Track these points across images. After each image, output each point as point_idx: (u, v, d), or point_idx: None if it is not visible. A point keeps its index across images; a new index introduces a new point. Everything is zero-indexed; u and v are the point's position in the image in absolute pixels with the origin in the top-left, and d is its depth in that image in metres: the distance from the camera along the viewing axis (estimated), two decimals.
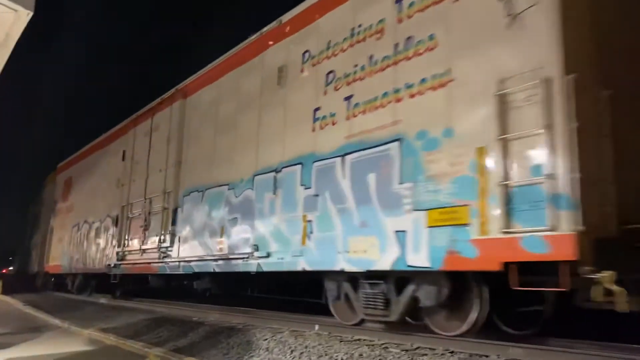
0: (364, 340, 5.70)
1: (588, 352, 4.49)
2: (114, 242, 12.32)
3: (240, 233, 7.82)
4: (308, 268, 6.45)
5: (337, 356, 5.03)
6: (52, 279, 19.63)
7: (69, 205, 17.30)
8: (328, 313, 7.22)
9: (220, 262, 8.16)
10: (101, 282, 14.26)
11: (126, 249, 11.61)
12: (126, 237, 11.69)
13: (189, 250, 9.09)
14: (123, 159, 12.76)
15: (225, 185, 8.39)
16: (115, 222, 12.47)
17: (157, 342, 7.00)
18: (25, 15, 4.10)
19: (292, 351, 5.45)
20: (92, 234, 14.27)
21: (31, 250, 24.24)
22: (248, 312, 9.10)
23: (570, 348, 4.71)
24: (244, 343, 6.10)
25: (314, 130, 6.78)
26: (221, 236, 8.25)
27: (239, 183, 8.09)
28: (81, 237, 15.19)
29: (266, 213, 7.35)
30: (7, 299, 17.73)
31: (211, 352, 5.95)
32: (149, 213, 10.68)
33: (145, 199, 10.97)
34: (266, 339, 6.10)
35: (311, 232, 6.48)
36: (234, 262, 7.80)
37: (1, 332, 8.58)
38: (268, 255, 7.11)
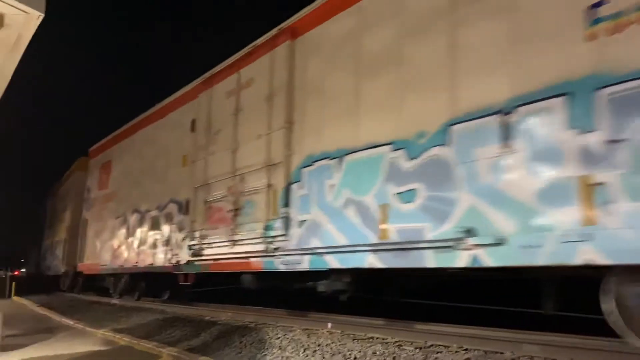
0: (377, 338, 5.64)
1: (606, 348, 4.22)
2: (184, 233, 9.59)
3: (422, 211, 5.20)
4: (603, 260, 3.77)
5: (350, 354, 4.94)
6: (81, 281, 17.26)
7: (109, 194, 14.35)
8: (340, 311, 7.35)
9: (384, 253, 5.47)
10: (152, 283, 12.32)
11: (204, 241, 8.77)
12: (203, 227, 8.92)
13: (317, 239, 6.46)
14: (192, 129, 9.88)
15: (385, 145, 5.77)
16: (185, 209, 9.70)
17: (170, 341, 6.99)
18: (36, 18, 4.03)
19: (305, 349, 5.33)
20: (147, 225, 11.43)
21: (52, 249, 21.56)
22: (259, 310, 9.12)
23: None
24: (257, 342, 6.03)
25: (592, 38, 4.11)
26: (383, 217, 5.55)
27: (416, 139, 5.41)
28: (130, 230, 12.35)
29: (486, 178, 4.67)
30: (21, 300, 18.12)
31: (224, 351, 5.87)
32: (242, 193, 7.99)
33: (234, 175, 8.25)
34: (279, 338, 6.01)
35: (607, 202, 3.78)
36: (416, 253, 5.13)
37: (15, 333, 8.66)
38: (499, 243, 4.40)
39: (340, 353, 5.05)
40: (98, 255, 14.35)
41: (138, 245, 11.74)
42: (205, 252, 8.74)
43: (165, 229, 10.48)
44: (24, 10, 3.94)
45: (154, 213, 11.25)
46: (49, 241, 22.95)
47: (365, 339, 5.74)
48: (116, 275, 13.39)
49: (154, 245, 10.88)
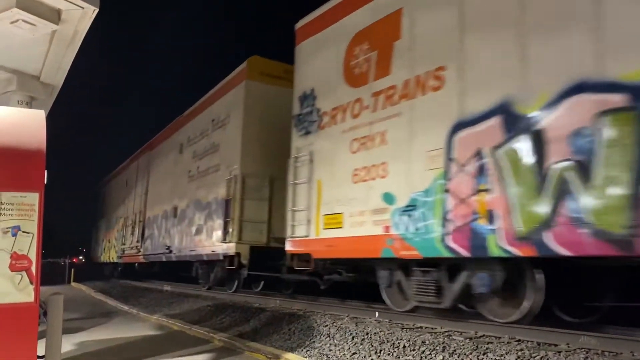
0: (426, 327, 5.69)
1: None
2: None
3: None
4: None
5: (399, 343, 4.91)
6: (243, 273, 10.56)
7: (407, 83, 6.53)
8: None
9: None
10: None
11: None
12: None
13: None
14: None
15: None
16: None
17: (220, 327, 7.15)
18: (91, 12, 4.14)
19: (353, 337, 5.34)
20: None
21: (164, 225, 14.95)
22: (307, 298, 8.94)
23: None
24: (305, 329, 6.07)
25: None
26: None
27: None
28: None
29: None
30: (80, 286, 19.38)
31: (273, 338, 5.98)
32: None
33: None
34: (327, 325, 6.02)
35: None
36: None
37: (75, 317, 8.91)
38: None
39: (389, 342, 5.01)
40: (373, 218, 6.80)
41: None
42: None
43: None
44: (79, 5, 4.04)
45: None
46: (150, 215, 16.50)
47: (414, 328, 5.70)
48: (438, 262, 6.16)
49: None
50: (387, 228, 6.47)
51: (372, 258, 6.89)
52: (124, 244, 19.31)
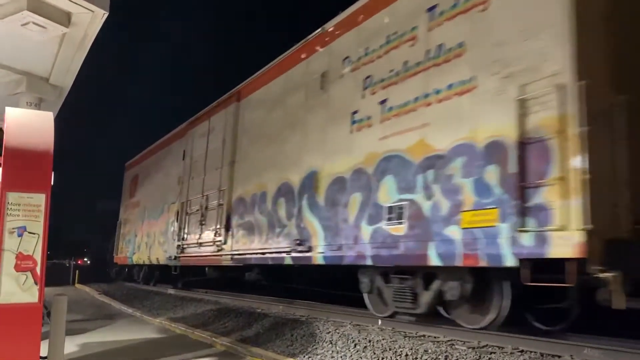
0: (429, 336, 5.69)
1: None
2: None
3: None
4: None
5: (401, 351, 4.89)
6: None
7: None
8: None
9: None
10: None
11: None
12: None
13: None
14: None
15: None
16: None
17: (223, 331, 7.20)
18: (101, 16, 4.15)
19: (355, 345, 5.34)
20: None
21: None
22: (310, 305, 8.96)
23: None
24: (308, 335, 6.09)
25: None
26: None
27: None
28: None
29: None
30: (84, 287, 18.99)
31: (276, 343, 5.98)
32: None
33: None
34: (329, 332, 6.05)
35: None
36: None
37: (78, 318, 8.94)
38: None
39: (391, 350, 4.99)
40: None
41: None
42: None
43: None
44: (89, 8, 4.06)
45: None
46: (242, 194, 10.71)
47: (417, 336, 5.68)
48: None
49: None
50: None
51: None
52: (182, 239, 13.68)
